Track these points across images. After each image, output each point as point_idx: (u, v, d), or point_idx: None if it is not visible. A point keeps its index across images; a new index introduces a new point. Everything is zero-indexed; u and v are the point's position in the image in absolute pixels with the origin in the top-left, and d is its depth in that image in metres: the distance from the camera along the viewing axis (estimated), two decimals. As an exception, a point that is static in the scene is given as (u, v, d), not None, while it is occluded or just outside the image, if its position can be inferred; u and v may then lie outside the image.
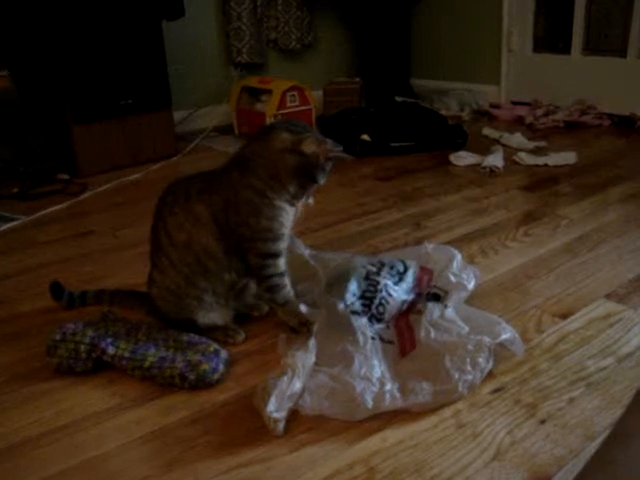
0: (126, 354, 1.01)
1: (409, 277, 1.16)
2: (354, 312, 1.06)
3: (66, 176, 2.17)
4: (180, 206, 1.05)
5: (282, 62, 3.12)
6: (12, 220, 1.82)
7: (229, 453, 0.85)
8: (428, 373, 0.93)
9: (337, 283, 1.13)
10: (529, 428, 0.86)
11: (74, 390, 1.00)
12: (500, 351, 1.04)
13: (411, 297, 1.13)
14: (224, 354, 1.02)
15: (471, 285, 1.16)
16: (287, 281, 1.10)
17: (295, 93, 2.60)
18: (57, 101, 2.18)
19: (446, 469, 0.80)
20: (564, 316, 1.14)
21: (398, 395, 0.90)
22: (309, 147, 1.02)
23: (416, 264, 1.19)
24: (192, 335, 1.06)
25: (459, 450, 0.83)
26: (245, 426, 0.90)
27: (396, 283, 1.13)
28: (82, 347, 1.02)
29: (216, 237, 1.04)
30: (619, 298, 1.19)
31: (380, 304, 1.10)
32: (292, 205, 1.07)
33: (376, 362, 0.95)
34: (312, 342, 0.98)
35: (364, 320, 1.04)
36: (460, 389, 0.92)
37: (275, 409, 0.87)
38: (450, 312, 1.02)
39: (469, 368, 0.93)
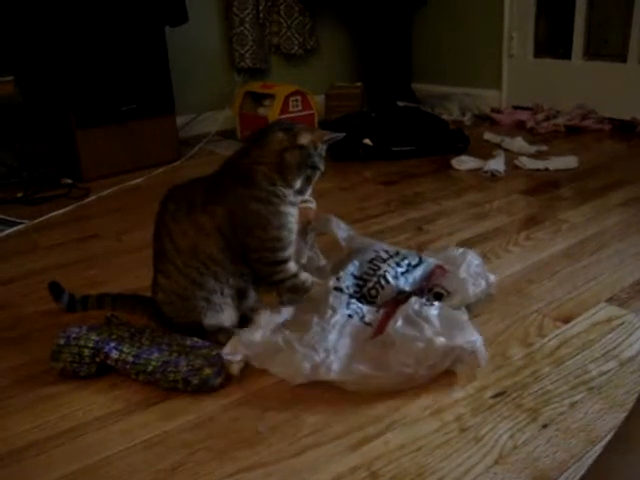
0: (129, 358, 1.02)
1: (418, 271, 1.17)
2: (338, 289, 1.10)
3: (69, 180, 2.19)
4: (183, 215, 1.05)
5: (284, 67, 3.13)
6: (16, 224, 1.83)
7: (232, 457, 0.85)
8: (376, 358, 0.96)
9: (345, 262, 1.17)
10: (531, 432, 0.86)
11: (78, 394, 1.01)
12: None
13: (412, 289, 1.14)
14: (227, 358, 1.03)
15: (477, 291, 1.16)
16: (304, 277, 1.12)
17: (298, 98, 2.61)
18: (61, 106, 2.19)
19: (448, 473, 0.80)
20: (566, 320, 1.15)
21: (335, 369, 0.94)
22: (305, 138, 1.06)
23: (433, 261, 1.21)
24: (195, 339, 1.07)
25: (461, 454, 0.83)
26: (248, 430, 0.90)
27: (402, 273, 1.15)
28: (86, 351, 1.02)
29: (221, 247, 1.05)
30: (621, 302, 1.20)
31: (373, 288, 1.13)
32: (295, 205, 1.09)
33: (334, 336, 0.99)
34: (287, 309, 1.06)
35: (344, 298, 1.07)
36: (393, 379, 0.95)
37: (229, 352, 0.99)
38: (431, 309, 1.02)
39: (409, 362, 0.95)
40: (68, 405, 0.98)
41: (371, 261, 1.17)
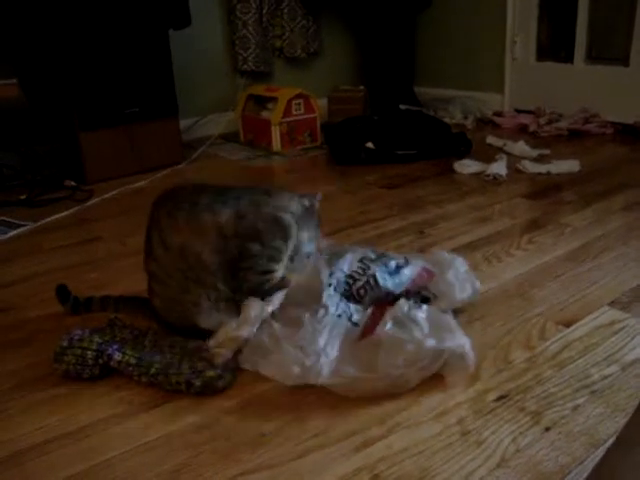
0: (132, 360, 1.02)
1: (405, 272, 1.16)
2: (331, 286, 1.08)
3: (73, 183, 2.19)
4: (184, 212, 1.04)
5: (287, 70, 3.14)
6: (19, 226, 1.83)
7: (235, 459, 0.85)
8: (365, 360, 0.96)
9: (332, 259, 1.16)
10: (533, 435, 0.86)
11: (81, 396, 1.01)
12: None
13: (399, 291, 1.14)
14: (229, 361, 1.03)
15: (463, 295, 1.15)
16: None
17: (300, 101, 2.62)
18: (65, 109, 2.20)
19: (450, 476, 0.80)
20: (568, 324, 1.15)
21: (324, 373, 0.94)
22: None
23: (420, 263, 1.20)
24: (198, 342, 1.07)
25: (463, 457, 0.83)
26: (251, 432, 0.90)
27: (390, 274, 1.15)
28: (89, 353, 1.03)
29: (215, 250, 1.05)
30: (623, 306, 1.20)
31: (362, 287, 1.12)
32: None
33: (324, 337, 0.98)
34: (279, 296, 1.04)
35: (336, 297, 1.05)
36: (382, 381, 0.94)
37: (214, 344, 0.99)
38: (419, 312, 1.02)
39: (400, 363, 0.94)
40: (71, 407, 0.98)
41: (361, 260, 1.16)
